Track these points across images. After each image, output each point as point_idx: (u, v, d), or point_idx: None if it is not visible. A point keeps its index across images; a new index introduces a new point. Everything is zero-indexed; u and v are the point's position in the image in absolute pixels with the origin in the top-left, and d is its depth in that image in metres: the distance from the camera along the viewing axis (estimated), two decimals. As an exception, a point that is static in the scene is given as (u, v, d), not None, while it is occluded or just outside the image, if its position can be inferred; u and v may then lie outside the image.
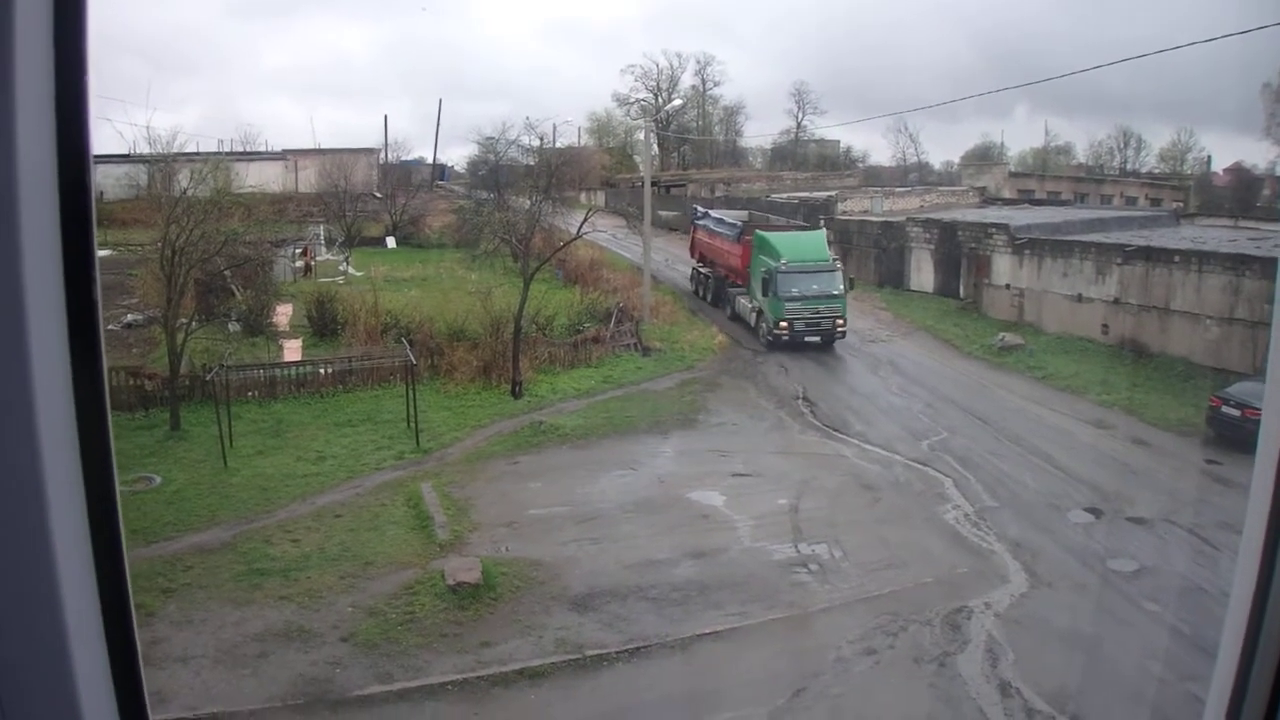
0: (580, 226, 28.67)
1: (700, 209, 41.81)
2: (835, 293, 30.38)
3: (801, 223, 39.27)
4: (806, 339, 29.91)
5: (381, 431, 22.91)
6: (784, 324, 29.99)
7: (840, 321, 30.31)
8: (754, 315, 32.03)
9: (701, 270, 38.62)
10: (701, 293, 38.22)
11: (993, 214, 44.60)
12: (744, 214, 40.75)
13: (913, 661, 13.33)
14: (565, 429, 23.11)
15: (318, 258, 43.58)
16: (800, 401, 26.03)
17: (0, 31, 1.63)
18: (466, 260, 37.56)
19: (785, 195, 60.92)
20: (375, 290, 31.42)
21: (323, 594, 14.85)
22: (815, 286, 30.13)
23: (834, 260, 31.49)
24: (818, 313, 30.07)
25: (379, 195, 57.79)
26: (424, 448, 21.83)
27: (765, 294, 30.58)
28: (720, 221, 37.24)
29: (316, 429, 23.01)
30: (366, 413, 24.24)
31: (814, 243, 32.19)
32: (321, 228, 49.33)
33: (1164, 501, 18.72)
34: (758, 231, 33.07)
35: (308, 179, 57.43)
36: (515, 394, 25.63)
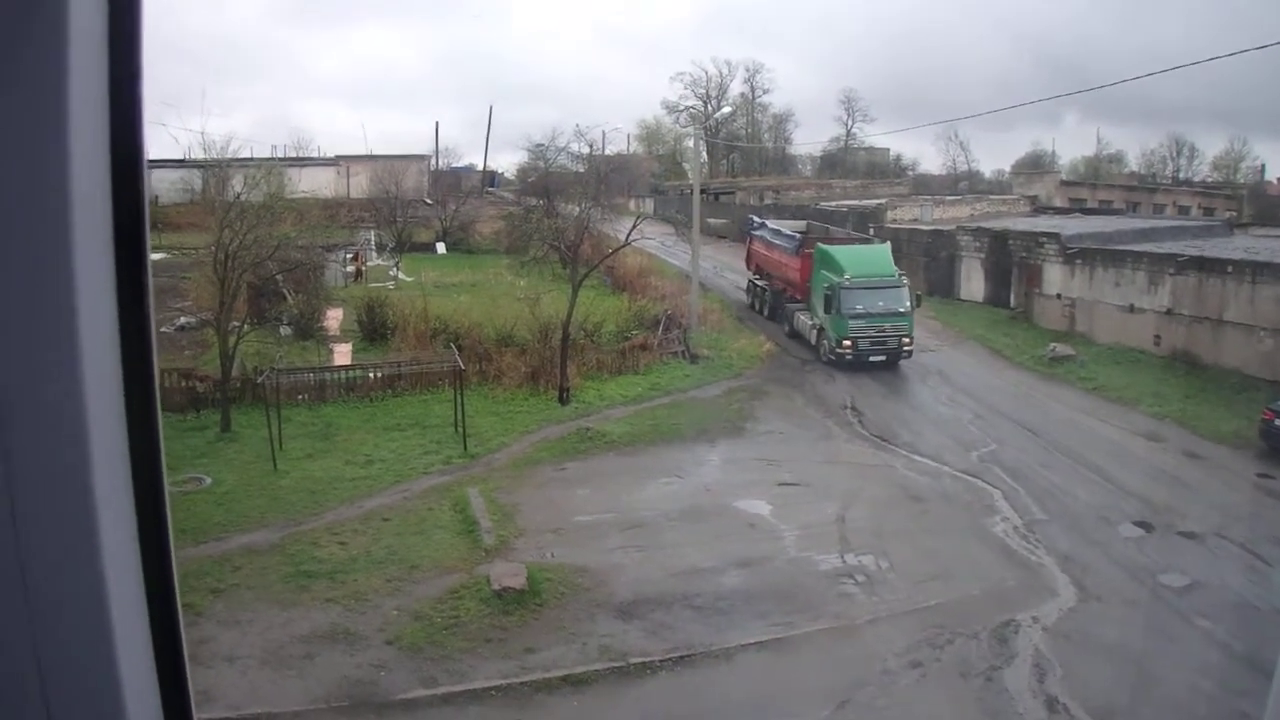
0: (629, 233, 28.72)
1: (756, 219, 40.57)
2: (902, 310, 28.72)
3: (864, 235, 37.94)
4: (871, 359, 28.37)
5: (429, 436, 23.00)
6: (847, 342, 28.43)
7: (907, 340, 28.73)
8: (814, 333, 30.54)
9: (758, 283, 37.36)
10: (758, 307, 36.88)
11: (1044, 223, 43.94)
12: (802, 224, 39.59)
13: (959, 675, 13.13)
14: (612, 436, 23.06)
15: (368, 263, 43.98)
16: (848, 411, 25.78)
17: (55, 34, 1.65)
18: (515, 266, 37.68)
19: (834, 203, 60.49)
20: (425, 295, 31.64)
21: (369, 597, 14.96)
22: (881, 303, 28.55)
23: (900, 276, 29.62)
24: (883, 331, 28.53)
25: (429, 201, 58.29)
26: (471, 453, 21.90)
27: (827, 311, 28.96)
28: (778, 233, 35.84)
29: (365, 433, 23.17)
30: (415, 417, 24.34)
31: (879, 257, 30.57)
32: (372, 233, 49.86)
33: (1216, 516, 18.25)
34: (819, 245, 31.50)
35: (359, 185, 58.12)
36: (563, 400, 25.64)
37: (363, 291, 34.37)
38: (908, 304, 28.88)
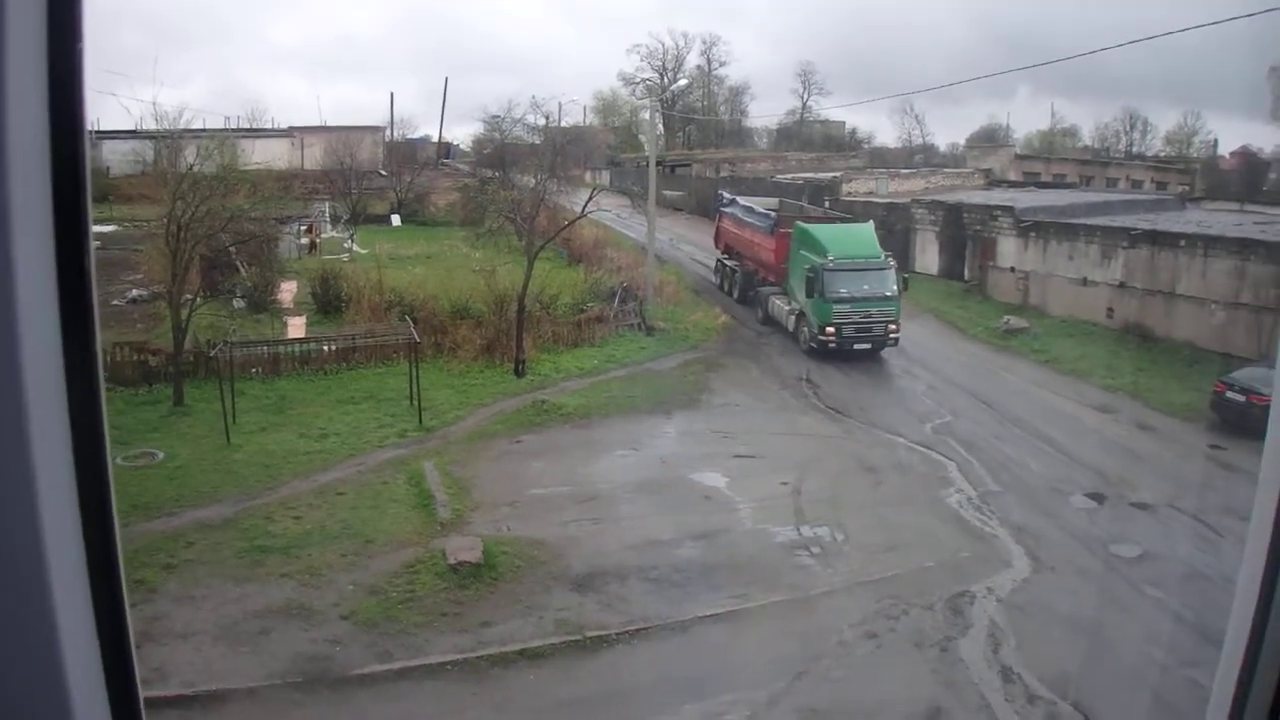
0: (585, 205, 28.58)
1: (726, 195, 38.75)
2: (889, 294, 27.16)
3: (843, 214, 36.74)
4: (855, 346, 26.88)
5: (384, 409, 22.94)
6: (830, 329, 26.77)
7: (894, 328, 27.10)
8: (792, 319, 29.07)
9: (728, 264, 36.09)
10: (727, 288, 35.65)
11: (998, 196, 44.38)
12: (774, 201, 38.34)
13: (914, 646, 13.36)
14: (568, 408, 23.09)
15: (323, 235, 43.50)
16: (804, 383, 26.03)
17: None
18: (471, 238, 37.48)
19: (790, 176, 60.74)
20: (379, 268, 31.38)
21: (323, 572, 14.88)
22: (866, 286, 26.97)
23: (887, 257, 28.17)
24: (869, 316, 26.91)
25: (384, 173, 57.70)
26: (426, 426, 21.85)
27: (809, 295, 27.23)
28: (750, 211, 34.48)
29: (319, 406, 23.02)
30: (369, 390, 24.25)
31: (864, 237, 28.85)
32: (327, 205, 49.27)
33: (1167, 487, 18.68)
34: (799, 224, 29.90)
35: (313, 156, 57.32)
36: (518, 373, 25.64)
37: (317, 264, 33.92)
38: (895, 287, 27.35)
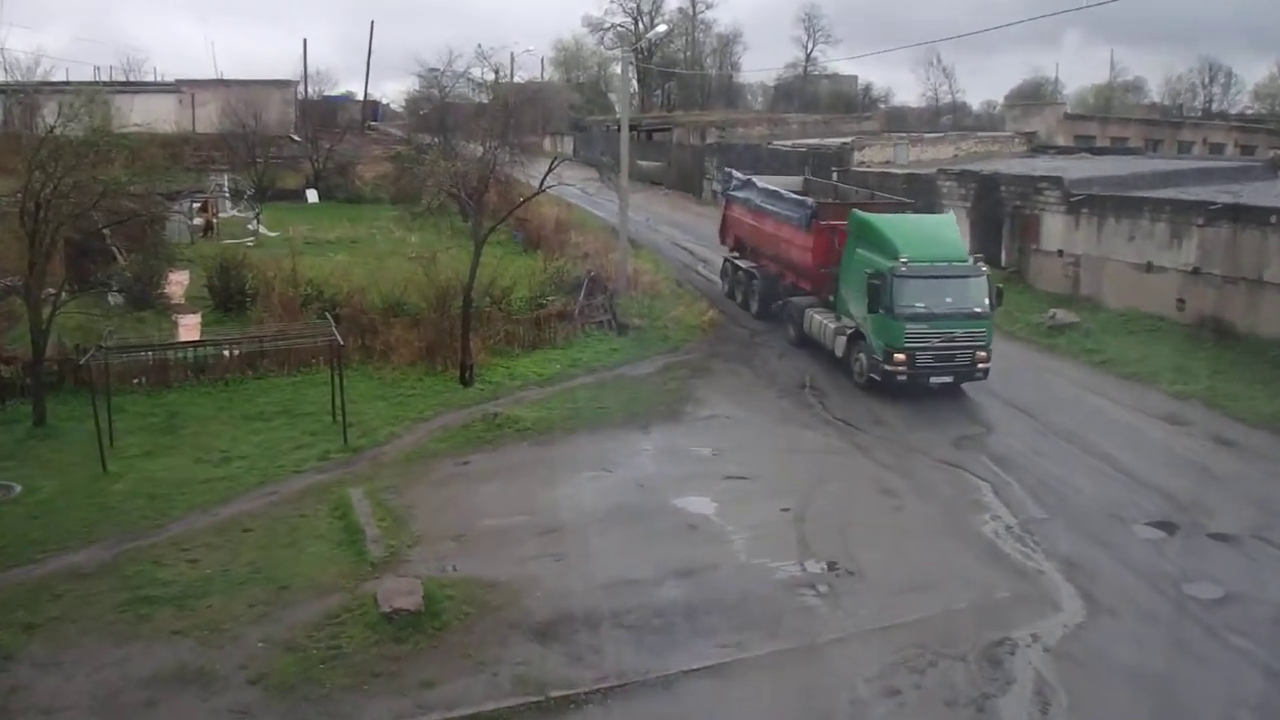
0: (544, 178, 28.59)
1: (737, 175, 37.20)
2: (978, 310, 24.74)
3: (903, 198, 35.27)
4: (933, 380, 24.74)
5: (301, 426, 22.88)
6: (900, 357, 24.39)
7: (982, 355, 24.73)
8: (841, 341, 26.77)
9: (740, 264, 34.69)
10: (741, 297, 34.29)
11: (1043, 165, 44.92)
12: (797, 181, 37.39)
13: (944, 705, 13.37)
14: (525, 422, 23.12)
15: (221, 214, 43.40)
16: (807, 390, 26.26)
17: None
18: (406, 218, 37.64)
19: (790, 143, 61.27)
20: (293, 254, 31.36)
21: (227, 626, 14.75)
22: (949, 299, 24.65)
23: (976, 261, 25.87)
24: (952, 340, 24.53)
25: (297, 139, 57.53)
26: (353, 445, 21.80)
27: (872, 309, 24.85)
28: (774, 196, 32.63)
29: (220, 424, 22.91)
30: (283, 404, 24.20)
31: (944, 233, 26.72)
32: (226, 177, 49.18)
33: (1254, 514, 18.87)
34: (856, 214, 27.17)
35: (208, 117, 57.13)
36: (465, 380, 25.67)
37: (215, 250, 33.91)
38: (986, 301, 24.95)
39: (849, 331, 26.58)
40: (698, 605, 15.41)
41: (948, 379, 24.89)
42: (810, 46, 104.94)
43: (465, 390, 25.42)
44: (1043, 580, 16.46)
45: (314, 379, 25.40)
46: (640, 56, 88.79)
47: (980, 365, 24.73)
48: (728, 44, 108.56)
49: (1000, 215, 38.14)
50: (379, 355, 26.91)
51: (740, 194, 35.15)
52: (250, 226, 42.61)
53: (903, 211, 29.81)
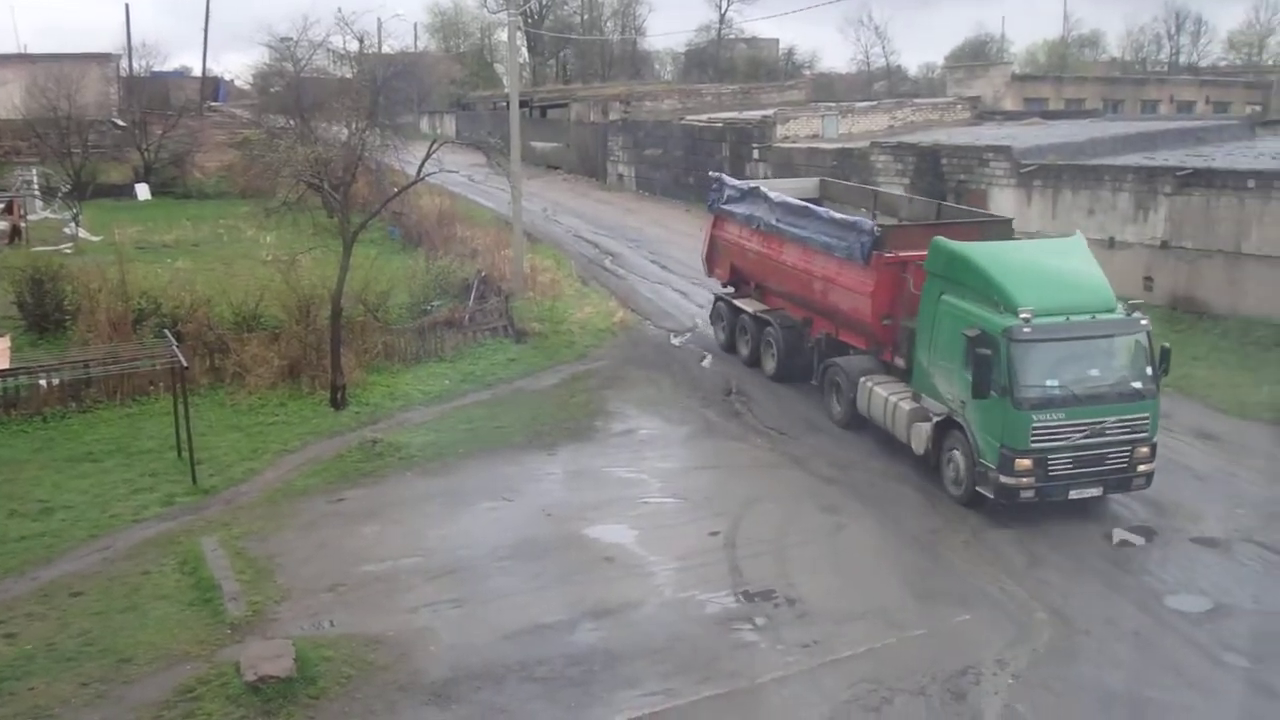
0: (422, 165, 28.42)
1: (730, 180, 31.77)
2: (1137, 386, 19.49)
3: (1000, 216, 29.66)
4: (1073, 494, 19.27)
5: (139, 466, 22.46)
6: (1025, 463, 18.82)
7: (1144, 453, 19.38)
8: (923, 431, 21.20)
9: (741, 307, 29.30)
10: (748, 351, 28.99)
11: (989, 133, 45.88)
12: (811, 183, 33.08)
13: (905, 745, 13.60)
14: (411, 448, 23.03)
15: (30, 216, 42.44)
16: (733, 397, 26.48)
17: None
18: (258, 216, 37.09)
19: (705, 117, 61.79)
20: (122, 262, 30.76)
21: (56, 712, 14.38)
22: (1095, 373, 19.48)
23: (1133, 313, 19.91)
24: (1102, 432, 19.05)
25: (122, 123, 56.52)
26: (204, 487, 21.47)
27: (979, 391, 19.14)
28: (803, 214, 26.71)
29: (38, 468, 22.40)
30: (115, 440, 23.75)
31: (1077, 269, 20.91)
32: (35, 172, 48.10)
33: (1243, 515, 19.44)
34: (942, 243, 21.32)
35: (9, 99, 55.77)
36: (337, 403, 25.46)
37: (24, 259, 33.11)
38: (1148, 370, 19.68)
39: (936, 418, 21.09)
40: (619, 650, 15.39)
41: (1094, 491, 19.40)
42: (724, 6, 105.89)
43: (337, 415, 25.19)
44: (1009, 606, 16.73)
45: (153, 409, 24.95)
46: (530, 21, 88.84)
47: (1141, 468, 19.40)
48: (630, 4, 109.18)
49: (943, 191, 38.77)
50: (232, 378, 26.56)
51: (739, 209, 29.65)
52: (67, 230, 41.80)
53: (1005, 236, 24.29)
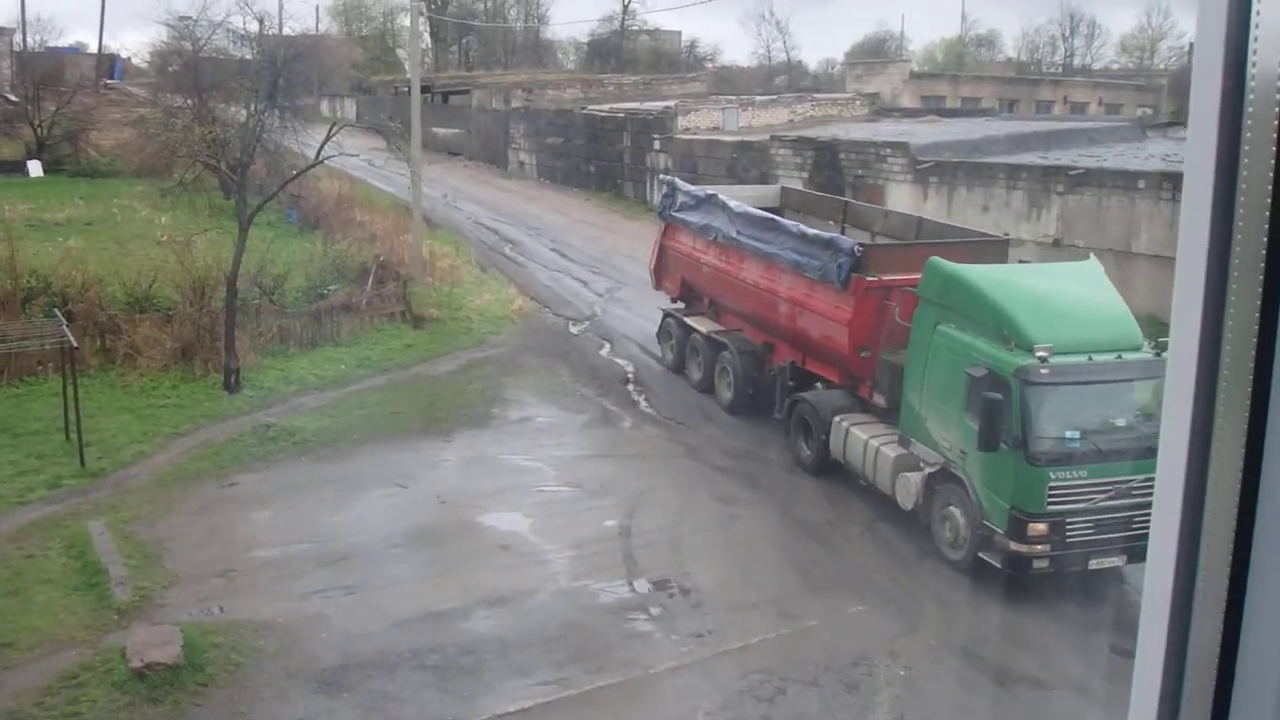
0: (321, 147, 28.12)
1: (685, 187, 28.41)
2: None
3: (995, 235, 26.09)
4: (1093, 563, 16.40)
5: (25, 448, 21.90)
6: (1040, 527, 16.16)
7: None
8: (912, 483, 18.16)
9: (693, 326, 26.26)
10: (700, 375, 25.87)
11: (887, 129, 46.51)
12: (772, 191, 31.02)
13: (796, 738, 13.69)
14: (305, 433, 22.77)
15: (-84, 194, 41.26)
16: (630, 385, 26.54)
17: None
18: (153, 195, 36.47)
19: (606, 108, 61.85)
20: (11, 240, 29.95)
21: (-68, 695, 14.05)
22: (1119, 422, 16.82)
23: (1162, 352, 16.09)
24: (1129, 492, 15.94)
25: (13, 99, 55.37)
26: (92, 469, 21.01)
27: (987, 443, 16.35)
28: (769, 226, 23.72)
29: (-84, 449, 21.76)
30: (1, 421, 23.14)
31: (1094, 298, 18.31)
32: (-80, 147, 46.83)
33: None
34: (940, 265, 18.48)
35: (-109, 73, 54.32)
36: (230, 386, 25.07)
37: (-93, 237, 32.14)
38: None
39: (928, 469, 18.03)
40: (512, 639, 15.34)
41: (1117, 561, 16.48)
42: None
43: (231, 398, 24.79)
44: (897, 591, 16.95)
45: (40, 390, 24.33)
46: (432, 6, 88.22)
47: None
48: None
49: (841, 185, 39.18)
50: (123, 359, 26.00)
51: (694, 218, 26.53)
52: (-43, 208, 40.82)
53: (999, 257, 21.70)
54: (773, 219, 23.98)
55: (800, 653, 15.11)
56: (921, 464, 18.14)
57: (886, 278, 20.08)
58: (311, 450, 22.25)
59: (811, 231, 22.50)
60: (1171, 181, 29.54)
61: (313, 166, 29.26)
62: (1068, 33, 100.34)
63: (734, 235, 24.51)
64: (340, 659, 14.81)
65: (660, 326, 28.10)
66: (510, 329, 30.95)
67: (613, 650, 15.15)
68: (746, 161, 44.22)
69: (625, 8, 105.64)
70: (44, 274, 28.82)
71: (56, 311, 25.07)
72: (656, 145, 52.33)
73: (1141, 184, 30.12)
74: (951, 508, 17.39)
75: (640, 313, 30.95)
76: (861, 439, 19.57)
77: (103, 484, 20.60)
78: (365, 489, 20.47)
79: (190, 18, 46.69)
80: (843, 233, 24.41)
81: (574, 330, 31.29)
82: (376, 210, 43.68)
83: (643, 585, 16.87)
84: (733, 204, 25.25)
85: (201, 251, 28.73)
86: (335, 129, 28.56)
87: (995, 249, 22.33)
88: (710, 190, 27.47)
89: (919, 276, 18.85)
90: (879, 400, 20.02)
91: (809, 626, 15.86)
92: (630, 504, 19.69)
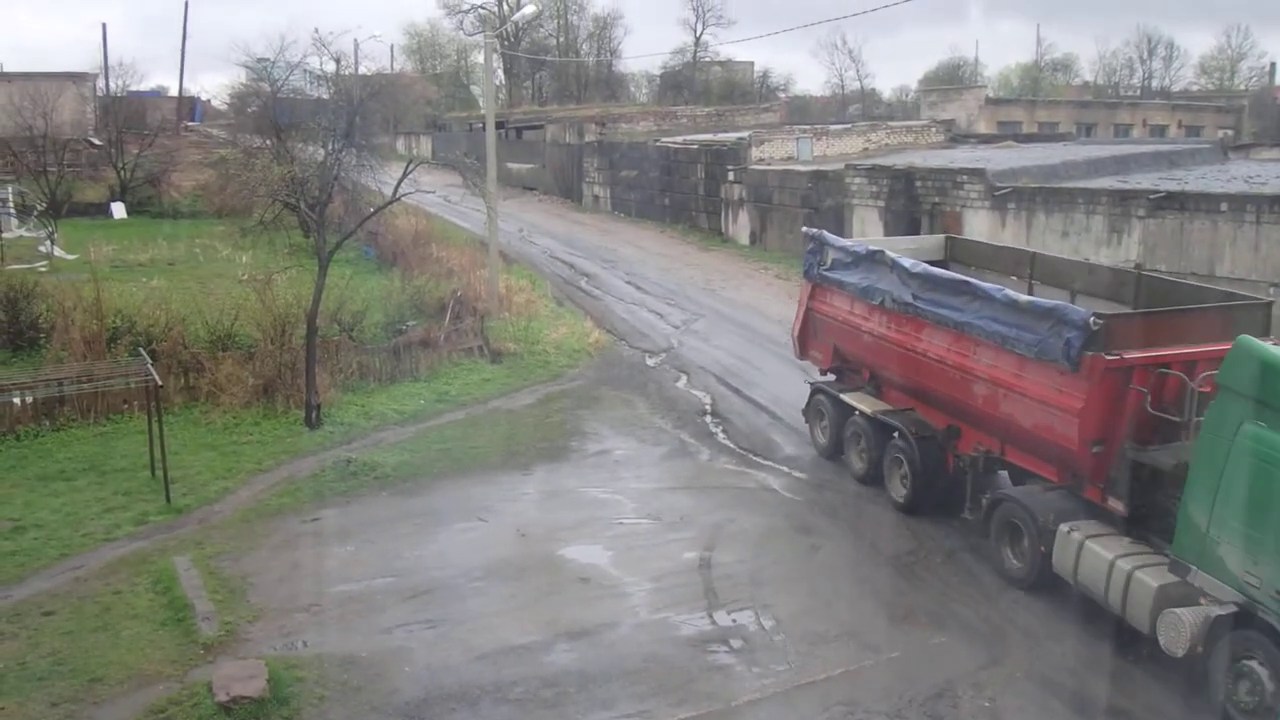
0: (398, 185, 28.43)
1: (838, 241, 24.61)
2: None
3: (1244, 295, 20.57)
4: None
5: (112, 485, 22.26)
6: None
7: None
8: (1184, 622, 14.15)
9: (848, 403, 22.81)
10: (864, 465, 22.27)
11: (964, 156, 46.24)
12: (934, 243, 26.25)
13: (881, 768, 13.59)
14: (385, 468, 22.94)
15: (5, 234, 42.31)
16: (708, 418, 26.52)
17: None
18: (234, 235, 37.00)
19: (680, 139, 62.03)
20: (97, 280, 30.61)
21: (27, 730, 14.31)
22: None
23: None
24: None
25: (98, 142, 56.42)
26: (177, 506, 21.31)
27: None
28: (951, 287, 20.14)
29: (10, 486, 22.19)
30: (89, 459, 23.54)
31: None
32: (10, 190, 47.92)
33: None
34: (1249, 342, 14.34)
35: (-16, 116, 55.61)
36: (311, 422, 25.33)
37: (-2, 277, 32.94)
38: None
39: (1216, 610, 14.16)
40: (593, 672, 15.34)
41: None
42: (700, 29, 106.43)
43: (312, 434, 25.05)
44: (980, 622, 16.78)
45: (126, 428, 24.77)
46: (506, 43, 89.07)
47: None
48: (606, 27, 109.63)
49: (918, 214, 39.02)
50: (206, 397, 26.40)
51: (852, 278, 23.03)
52: (42, 248, 41.67)
53: (1262, 323, 17.62)
54: (965, 281, 19.98)
55: (883, 684, 14.98)
56: (1203, 600, 14.38)
57: (1130, 355, 16.60)
58: (392, 485, 22.42)
59: (1024, 299, 18.55)
60: (1255, 204, 29.28)
61: (389, 204, 29.53)
62: (1145, 55, 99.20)
63: (909, 300, 20.92)
64: (423, 693, 14.89)
65: (808, 403, 24.52)
66: (587, 362, 31.07)
67: (694, 683, 15.09)
68: (821, 191, 44.17)
69: (698, 40, 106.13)
70: (129, 314, 29.35)
71: (141, 350, 25.45)
72: (731, 176, 52.41)
73: (1225, 206, 29.69)
74: (1252, 662, 13.58)
75: (716, 344, 30.96)
76: (1105, 558, 15.85)
77: (188, 520, 20.87)
78: (445, 522, 20.59)
79: (268, 59, 47.45)
80: (1030, 290, 21.13)
81: (650, 363, 31.34)
82: (453, 246, 44.03)
83: (723, 617, 16.82)
84: (906, 263, 21.33)
85: (281, 289, 29.15)
86: (411, 166, 28.84)
87: (1255, 313, 18.03)
88: (873, 245, 23.43)
89: (1172, 352, 16.41)
90: (1114, 505, 16.66)
91: (891, 658, 15.72)
92: (709, 536, 19.66)
